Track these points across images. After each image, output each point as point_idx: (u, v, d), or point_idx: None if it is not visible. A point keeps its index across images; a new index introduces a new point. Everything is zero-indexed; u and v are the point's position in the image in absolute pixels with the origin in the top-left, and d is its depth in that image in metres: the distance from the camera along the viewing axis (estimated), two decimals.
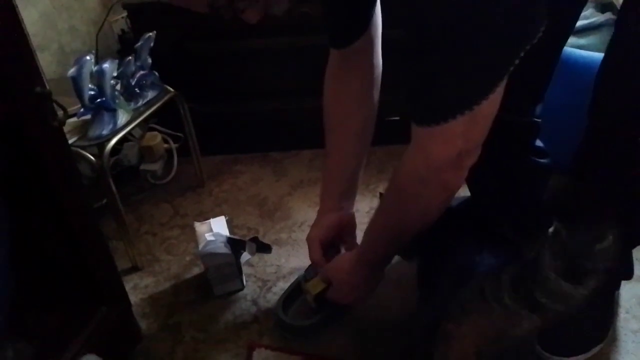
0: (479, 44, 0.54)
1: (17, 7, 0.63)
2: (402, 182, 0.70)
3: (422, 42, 0.57)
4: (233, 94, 1.48)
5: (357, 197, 0.97)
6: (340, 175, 0.92)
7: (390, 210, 0.76)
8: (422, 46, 0.58)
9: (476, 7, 0.52)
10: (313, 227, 0.93)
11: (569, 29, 0.91)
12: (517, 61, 0.56)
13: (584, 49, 1.19)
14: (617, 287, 0.93)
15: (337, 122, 0.90)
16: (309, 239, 0.91)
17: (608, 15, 1.28)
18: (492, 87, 0.57)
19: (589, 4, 1.31)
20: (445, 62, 0.56)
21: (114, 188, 1.02)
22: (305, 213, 1.25)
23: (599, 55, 1.12)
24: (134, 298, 1.03)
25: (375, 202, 1.25)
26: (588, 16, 1.28)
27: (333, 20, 0.83)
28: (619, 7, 1.26)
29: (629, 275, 0.89)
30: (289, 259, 1.11)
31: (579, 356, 0.83)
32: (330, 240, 0.91)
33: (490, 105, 0.58)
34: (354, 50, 0.83)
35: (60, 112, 0.68)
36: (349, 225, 0.93)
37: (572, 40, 1.18)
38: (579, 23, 1.14)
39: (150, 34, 1.14)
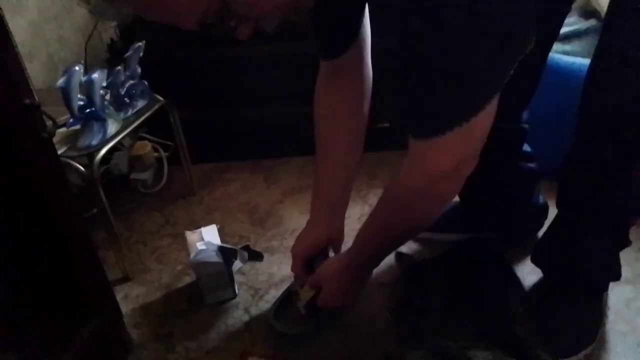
0: (475, 58, 0.55)
1: (4, 16, 0.63)
2: (398, 192, 0.70)
3: (417, 56, 0.58)
4: (223, 102, 1.48)
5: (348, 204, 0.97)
6: (330, 186, 0.91)
7: (383, 218, 0.76)
8: (417, 60, 0.58)
9: (471, 24, 0.52)
10: (299, 239, 0.92)
11: (554, 36, 0.93)
12: (511, 73, 0.57)
13: (569, 55, 1.21)
14: (606, 289, 0.94)
15: (327, 133, 0.90)
16: (292, 253, 0.91)
17: (592, 22, 1.30)
18: (487, 99, 0.58)
19: (573, 11, 1.33)
20: (441, 76, 0.57)
21: (103, 197, 1.02)
22: (297, 220, 1.25)
23: (584, 61, 1.15)
24: (125, 308, 1.02)
25: (366, 209, 1.26)
26: (572, 23, 1.31)
27: (322, 31, 0.84)
28: (603, 14, 1.28)
29: (617, 277, 0.90)
30: (281, 267, 1.11)
31: (569, 358, 0.84)
32: (316, 254, 0.91)
33: (486, 116, 0.59)
34: (343, 62, 0.84)
35: (49, 123, 0.68)
36: (337, 239, 0.93)
37: (557, 46, 1.20)
38: (564, 29, 1.16)
39: (140, 43, 1.14)
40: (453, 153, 0.61)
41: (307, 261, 0.91)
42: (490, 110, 0.59)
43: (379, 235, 0.78)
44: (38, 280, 0.79)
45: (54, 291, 0.80)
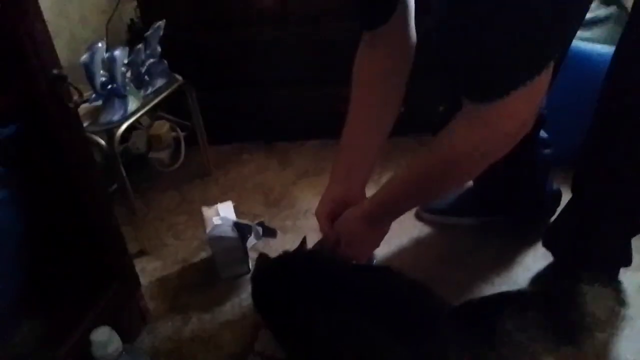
0: (544, 11, 0.54)
1: None
2: (451, 153, 0.69)
3: (481, 18, 0.57)
4: (240, 84, 1.50)
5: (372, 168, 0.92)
6: (352, 146, 0.89)
7: (423, 171, 0.74)
8: (479, 23, 0.57)
9: None
10: (320, 200, 0.91)
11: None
12: (576, 28, 0.56)
13: (589, 42, 1.20)
14: (617, 275, 0.94)
15: (358, 95, 0.88)
16: (316, 214, 0.90)
17: (613, 9, 1.29)
18: (553, 55, 0.58)
19: None
20: (506, 36, 0.56)
21: (123, 172, 1.05)
22: (310, 202, 1.26)
23: (604, 48, 1.14)
24: (142, 280, 1.04)
25: None
26: (593, 9, 1.29)
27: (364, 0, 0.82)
28: (624, 1, 1.27)
29: (628, 263, 0.91)
30: (294, 246, 1.11)
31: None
32: (339, 213, 0.88)
33: (548, 74, 0.59)
34: (385, 30, 0.82)
35: (75, 95, 0.70)
36: (355, 198, 0.89)
37: (578, 32, 1.19)
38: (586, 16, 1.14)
39: (160, 23, 1.16)
40: (520, 113, 0.61)
41: (333, 220, 0.88)
42: (550, 68, 0.59)
43: (411, 188, 0.77)
44: (61, 247, 0.82)
45: (77, 259, 0.83)
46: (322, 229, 0.89)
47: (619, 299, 0.65)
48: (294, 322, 0.75)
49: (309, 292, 0.75)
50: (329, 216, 0.88)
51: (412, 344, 0.63)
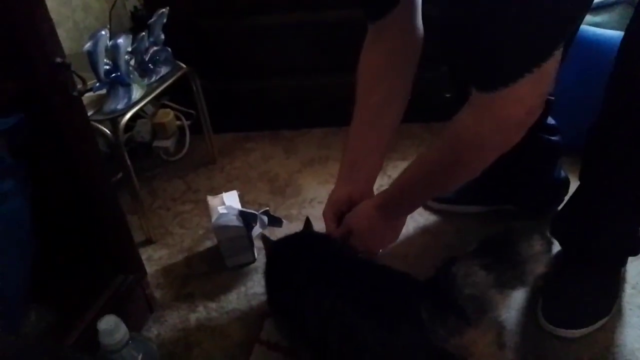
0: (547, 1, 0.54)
1: None
2: (460, 144, 0.68)
3: (485, 6, 0.56)
4: (245, 72, 1.49)
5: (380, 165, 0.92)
6: (357, 144, 0.89)
7: (436, 167, 0.74)
8: (484, 11, 0.57)
9: None
10: (327, 200, 0.91)
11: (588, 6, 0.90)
12: (582, 15, 0.56)
13: (598, 27, 1.18)
14: (624, 263, 0.94)
15: (362, 91, 0.87)
16: (323, 214, 0.91)
17: None
18: (559, 41, 0.57)
19: None
20: (512, 22, 0.56)
21: (128, 161, 1.04)
22: (315, 190, 1.26)
23: (613, 33, 1.12)
24: (148, 269, 1.04)
25: (385, 180, 1.26)
26: None
27: None
28: None
29: (635, 251, 0.90)
30: None
31: (583, 329, 0.85)
32: (344, 212, 0.88)
33: (555, 59, 0.58)
34: (389, 21, 0.81)
35: (79, 84, 0.69)
36: (361, 197, 0.88)
37: (587, 17, 1.17)
38: (595, 0, 1.13)
39: (164, 9, 1.15)
40: (525, 101, 0.60)
41: (339, 219, 0.89)
42: (558, 55, 0.58)
43: (423, 179, 0.77)
44: (69, 237, 0.83)
45: (83, 249, 0.84)
46: (328, 229, 0.89)
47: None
48: (290, 305, 0.76)
49: (304, 276, 0.76)
50: (335, 216, 0.88)
51: (393, 328, 0.66)
